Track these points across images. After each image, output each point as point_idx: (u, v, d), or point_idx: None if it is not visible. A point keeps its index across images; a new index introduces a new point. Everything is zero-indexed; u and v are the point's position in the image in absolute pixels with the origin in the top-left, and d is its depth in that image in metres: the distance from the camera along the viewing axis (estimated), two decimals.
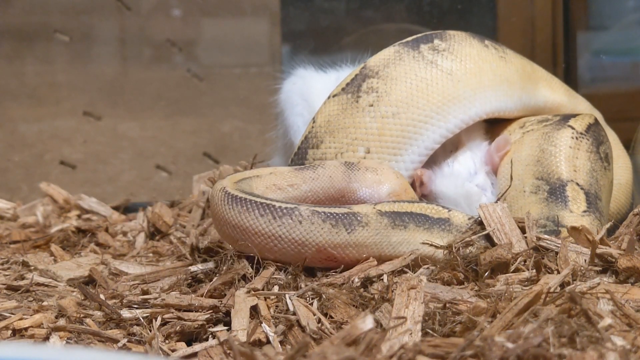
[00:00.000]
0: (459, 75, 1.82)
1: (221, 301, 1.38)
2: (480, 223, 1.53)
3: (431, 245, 1.51)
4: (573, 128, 1.80)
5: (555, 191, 1.71)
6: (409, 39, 1.86)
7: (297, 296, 1.36)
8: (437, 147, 1.82)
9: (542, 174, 1.74)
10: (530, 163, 1.78)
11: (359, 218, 1.52)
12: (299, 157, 1.81)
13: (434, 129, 1.80)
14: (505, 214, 1.52)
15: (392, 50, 1.85)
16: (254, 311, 1.34)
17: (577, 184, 1.71)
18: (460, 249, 1.46)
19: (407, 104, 1.79)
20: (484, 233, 1.50)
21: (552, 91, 2.03)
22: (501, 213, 1.52)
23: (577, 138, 1.78)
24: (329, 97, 1.83)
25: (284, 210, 1.49)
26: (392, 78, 1.80)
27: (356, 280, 1.42)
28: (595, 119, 1.86)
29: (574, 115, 1.86)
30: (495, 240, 1.48)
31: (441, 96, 1.80)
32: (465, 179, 1.83)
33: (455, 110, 1.81)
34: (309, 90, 2.06)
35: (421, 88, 1.80)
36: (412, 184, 1.80)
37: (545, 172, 1.73)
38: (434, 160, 1.86)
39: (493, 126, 1.97)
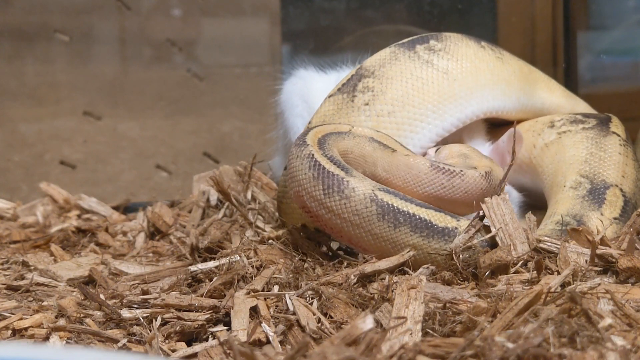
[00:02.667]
0: (455, 74, 1.83)
1: (221, 301, 1.37)
2: (482, 218, 1.50)
3: (435, 254, 1.46)
4: (618, 135, 1.81)
5: (595, 191, 1.71)
6: (405, 40, 1.87)
7: (297, 296, 1.36)
8: (432, 145, 1.81)
9: (587, 173, 1.74)
10: (575, 162, 1.77)
11: (342, 187, 1.47)
12: None
13: (430, 128, 1.79)
14: (509, 209, 1.50)
15: (387, 51, 1.85)
16: (254, 311, 1.34)
17: (621, 190, 1.71)
18: (461, 254, 1.44)
19: (402, 102, 1.79)
20: (489, 236, 1.46)
21: (550, 93, 2.04)
22: (505, 209, 1.49)
23: (624, 145, 1.79)
24: (325, 98, 1.83)
25: (299, 142, 1.56)
26: (388, 77, 1.80)
27: (352, 277, 1.41)
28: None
29: (609, 119, 1.87)
30: (499, 242, 1.47)
31: (437, 95, 1.80)
32: None
33: (452, 108, 1.81)
34: (309, 91, 2.06)
35: (417, 87, 1.80)
36: None
37: (592, 172, 1.72)
38: None
39: (495, 128, 1.97)
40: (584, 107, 2.11)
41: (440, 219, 1.48)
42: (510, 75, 1.91)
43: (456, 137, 1.86)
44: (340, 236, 1.52)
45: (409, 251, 1.46)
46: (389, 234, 1.47)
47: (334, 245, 1.63)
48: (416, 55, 1.83)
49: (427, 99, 1.79)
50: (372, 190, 1.48)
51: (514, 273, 1.41)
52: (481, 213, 1.50)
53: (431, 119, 1.79)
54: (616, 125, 1.85)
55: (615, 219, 1.65)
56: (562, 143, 1.84)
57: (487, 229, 1.49)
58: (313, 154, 1.52)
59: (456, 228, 1.47)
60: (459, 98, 1.81)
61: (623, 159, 1.76)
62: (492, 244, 1.47)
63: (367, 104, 1.78)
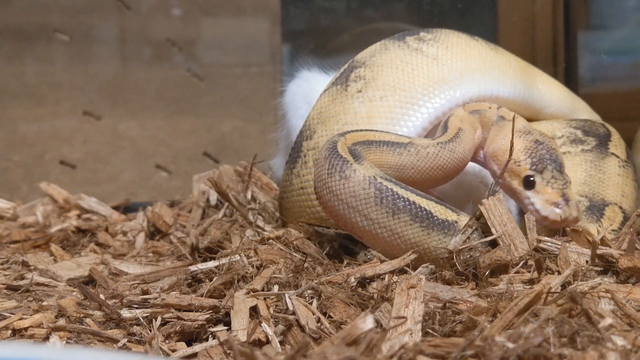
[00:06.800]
0: (445, 59, 1.86)
1: (221, 301, 1.37)
2: (478, 218, 1.49)
3: (434, 247, 1.46)
4: (617, 156, 1.81)
5: (594, 208, 1.71)
6: (396, 35, 1.91)
7: (297, 295, 1.36)
8: (427, 127, 1.82)
9: (586, 192, 1.75)
10: (573, 184, 1.77)
11: (343, 167, 1.46)
12: (295, 151, 1.85)
13: (421, 110, 1.81)
14: (505, 209, 1.50)
15: (378, 44, 1.90)
16: (254, 311, 1.34)
17: (620, 207, 1.71)
18: (461, 255, 1.44)
19: (393, 87, 1.81)
20: (490, 238, 1.45)
21: (549, 87, 2.04)
22: (502, 210, 1.49)
23: (623, 167, 1.80)
24: (321, 94, 1.86)
25: (332, 138, 1.56)
26: (379, 65, 1.84)
27: (352, 279, 1.41)
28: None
29: (608, 138, 1.87)
30: (500, 242, 1.46)
31: (427, 78, 1.83)
32: (469, 175, 1.82)
33: (442, 91, 1.82)
34: (313, 93, 2.07)
35: (407, 72, 1.83)
36: None
37: (591, 192, 1.73)
38: None
39: None
40: (583, 105, 2.11)
41: (441, 212, 1.46)
42: (505, 64, 1.92)
43: None
44: (337, 219, 1.52)
45: (410, 254, 1.44)
46: (387, 221, 1.45)
47: (335, 244, 1.63)
48: (405, 45, 1.87)
49: (417, 83, 1.82)
50: (374, 176, 1.46)
51: (514, 273, 1.40)
52: (477, 213, 1.50)
53: (422, 102, 1.81)
54: (615, 145, 1.86)
55: (613, 230, 1.65)
56: None
57: (485, 228, 1.49)
58: (336, 141, 1.54)
59: (456, 222, 1.46)
60: (449, 82, 1.83)
61: (622, 179, 1.78)
62: (492, 243, 1.47)
63: (359, 91, 1.81)
